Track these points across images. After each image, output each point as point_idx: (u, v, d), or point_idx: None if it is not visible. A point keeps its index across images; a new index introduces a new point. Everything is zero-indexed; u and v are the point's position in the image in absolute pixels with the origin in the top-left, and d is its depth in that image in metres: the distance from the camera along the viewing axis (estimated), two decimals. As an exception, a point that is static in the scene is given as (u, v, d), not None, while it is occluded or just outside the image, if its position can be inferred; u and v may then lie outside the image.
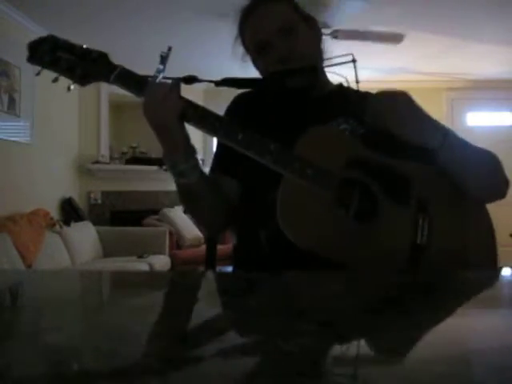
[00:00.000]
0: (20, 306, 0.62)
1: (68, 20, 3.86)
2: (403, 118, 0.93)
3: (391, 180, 0.95)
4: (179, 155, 0.94)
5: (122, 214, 5.09)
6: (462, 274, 0.83)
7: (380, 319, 0.51)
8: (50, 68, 0.93)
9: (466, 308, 0.60)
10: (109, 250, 4.37)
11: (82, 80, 0.94)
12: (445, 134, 0.94)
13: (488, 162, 1.00)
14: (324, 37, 1.13)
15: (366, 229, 0.93)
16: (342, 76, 1.04)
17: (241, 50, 1.12)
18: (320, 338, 0.44)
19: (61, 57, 0.93)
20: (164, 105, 0.90)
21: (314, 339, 0.43)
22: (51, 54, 0.93)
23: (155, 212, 5.00)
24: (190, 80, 1.00)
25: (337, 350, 0.43)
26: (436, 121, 0.97)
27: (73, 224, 4.20)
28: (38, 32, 3.97)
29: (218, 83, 1.03)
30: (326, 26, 3.60)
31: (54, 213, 4.17)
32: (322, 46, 1.13)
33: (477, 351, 0.42)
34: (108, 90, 5.12)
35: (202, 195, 1.01)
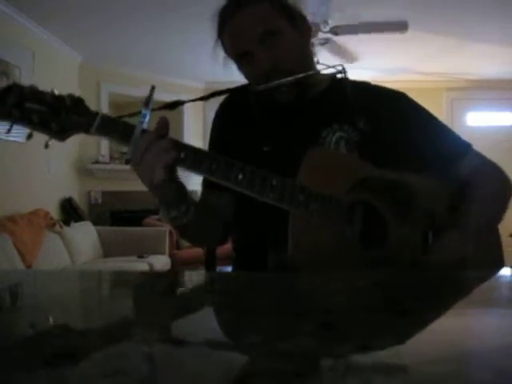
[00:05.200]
0: (20, 306, 0.62)
1: (68, 20, 3.86)
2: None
3: (397, 198, 0.92)
4: (171, 204, 0.91)
5: (122, 214, 5.09)
6: (462, 274, 0.83)
7: (380, 319, 0.51)
8: (21, 123, 0.83)
9: (466, 308, 0.60)
10: (109, 250, 4.37)
11: (60, 135, 0.84)
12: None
13: (500, 193, 1.00)
14: (323, 34, 1.09)
15: (379, 254, 0.90)
16: (336, 68, 0.99)
17: (222, 53, 1.03)
18: (320, 339, 0.44)
19: (31, 109, 0.82)
20: (155, 166, 0.82)
21: (314, 339, 0.43)
22: (19, 107, 0.81)
23: (155, 212, 4.99)
24: (175, 105, 0.96)
25: (336, 350, 0.43)
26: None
27: (73, 224, 4.20)
28: (38, 32, 3.98)
29: (205, 98, 1.00)
30: (319, 29, 3.59)
31: (54, 213, 4.17)
32: (312, 45, 1.06)
33: (477, 351, 0.42)
34: (108, 90, 5.13)
35: (197, 228, 0.99)
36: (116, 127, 0.85)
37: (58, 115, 0.83)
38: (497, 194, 1.01)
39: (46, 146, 0.86)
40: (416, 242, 0.92)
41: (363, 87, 1.07)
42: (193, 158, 0.85)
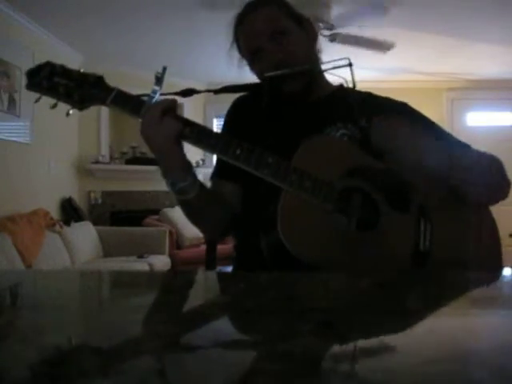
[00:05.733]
0: (20, 306, 0.62)
1: (68, 20, 3.86)
2: (405, 147, 0.94)
3: (392, 186, 0.94)
4: (177, 174, 0.96)
5: (122, 214, 5.09)
6: (462, 275, 0.83)
7: (380, 319, 0.51)
8: (49, 94, 0.95)
9: (466, 308, 0.60)
10: (109, 250, 4.37)
11: (80, 105, 0.95)
12: (450, 156, 0.93)
13: (491, 167, 0.97)
14: (321, 37, 1.13)
15: (368, 238, 0.92)
16: (341, 77, 1.03)
17: (237, 55, 1.12)
18: (320, 338, 0.44)
19: (58, 82, 0.94)
20: (161, 127, 0.91)
21: (314, 339, 0.43)
22: (49, 80, 0.94)
23: (155, 212, 5.00)
24: (188, 93, 1.02)
25: (337, 350, 0.43)
26: (439, 141, 0.98)
27: (73, 224, 4.20)
28: (38, 32, 3.98)
29: (217, 91, 1.05)
30: (332, 28, 3.61)
31: (54, 213, 4.17)
32: (318, 47, 1.12)
33: (477, 351, 0.42)
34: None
35: (202, 207, 1.04)
36: (129, 100, 0.95)
37: (80, 88, 0.95)
38: (490, 171, 0.96)
39: (67, 114, 0.97)
40: (408, 231, 0.93)
41: (367, 95, 1.12)
42: (197, 132, 0.93)
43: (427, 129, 1.08)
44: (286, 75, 1.01)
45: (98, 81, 0.96)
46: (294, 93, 1.06)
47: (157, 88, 0.95)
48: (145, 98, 0.95)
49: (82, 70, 0.96)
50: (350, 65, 1.00)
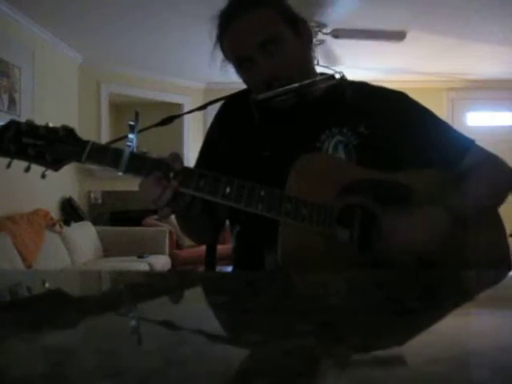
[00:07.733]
0: (20, 306, 0.62)
1: (68, 20, 3.86)
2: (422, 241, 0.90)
3: (392, 198, 0.92)
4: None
5: (122, 214, 5.09)
6: (462, 274, 0.83)
7: (380, 319, 0.51)
8: (19, 158, 0.88)
9: (466, 308, 0.60)
10: (109, 249, 4.37)
11: (54, 165, 0.88)
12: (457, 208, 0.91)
13: (489, 177, 0.98)
14: (323, 36, 1.08)
15: (371, 255, 0.90)
16: (334, 70, 0.99)
17: (220, 55, 1.01)
18: (320, 338, 0.44)
19: (27, 144, 0.87)
20: (161, 201, 0.89)
21: (314, 339, 0.43)
22: (16, 142, 0.86)
23: (155, 212, 4.97)
24: (168, 120, 1.00)
25: (337, 350, 0.43)
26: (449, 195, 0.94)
27: (73, 224, 4.20)
28: (38, 32, 3.98)
29: (201, 108, 1.03)
30: (324, 26, 3.60)
31: (54, 213, 4.17)
32: (312, 49, 1.05)
33: (477, 351, 0.42)
34: (108, 90, 5.13)
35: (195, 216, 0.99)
36: (106, 153, 0.87)
37: (51, 146, 0.87)
38: (490, 177, 0.99)
39: (43, 176, 0.89)
40: (412, 238, 0.91)
41: (362, 88, 1.05)
42: (181, 177, 0.87)
43: (428, 121, 1.03)
44: (274, 95, 0.94)
45: (69, 134, 0.88)
46: (285, 109, 1.00)
47: (132, 136, 0.91)
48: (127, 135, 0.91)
49: (50, 125, 0.88)
50: (343, 79, 0.96)
